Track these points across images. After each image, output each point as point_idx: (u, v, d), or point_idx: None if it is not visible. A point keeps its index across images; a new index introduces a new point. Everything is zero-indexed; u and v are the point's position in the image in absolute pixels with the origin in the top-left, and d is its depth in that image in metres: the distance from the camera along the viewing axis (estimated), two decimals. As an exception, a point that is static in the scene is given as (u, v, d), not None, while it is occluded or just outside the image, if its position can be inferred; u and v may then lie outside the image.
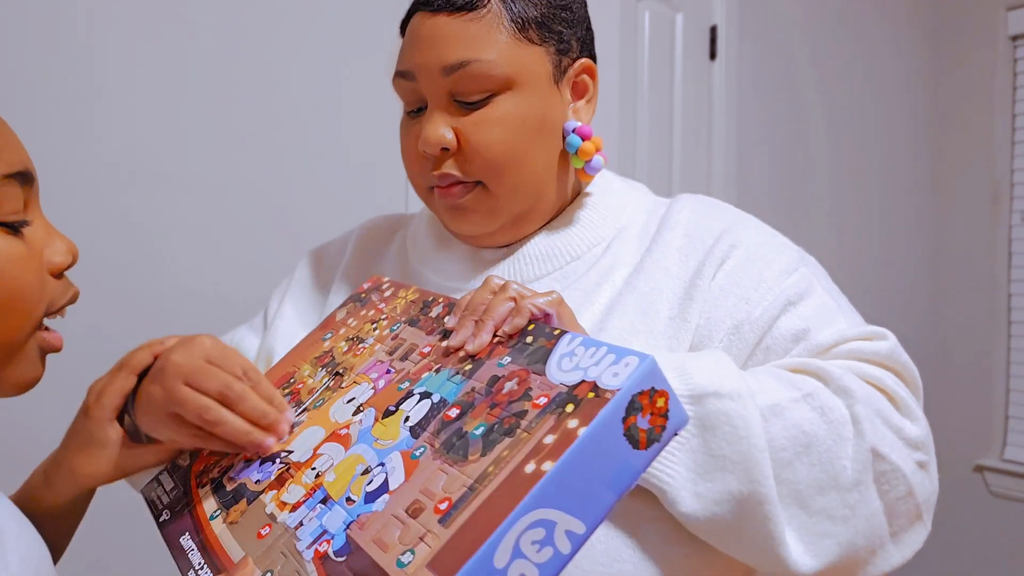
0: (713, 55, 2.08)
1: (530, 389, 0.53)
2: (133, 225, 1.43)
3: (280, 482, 0.62)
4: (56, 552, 0.73)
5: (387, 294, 0.79)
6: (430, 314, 0.71)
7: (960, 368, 2.76)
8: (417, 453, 0.54)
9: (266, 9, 1.55)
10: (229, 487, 0.65)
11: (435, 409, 0.58)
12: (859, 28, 2.52)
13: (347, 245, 0.97)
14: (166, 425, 0.68)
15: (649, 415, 0.48)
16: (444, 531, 0.45)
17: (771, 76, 2.26)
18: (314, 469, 0.61)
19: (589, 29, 0.83)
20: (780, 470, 0.66)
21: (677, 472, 0.65)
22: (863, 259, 2.55)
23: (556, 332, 0.57)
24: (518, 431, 0.49)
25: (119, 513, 1.04)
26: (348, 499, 0.55)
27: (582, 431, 0.45)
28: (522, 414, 0.51)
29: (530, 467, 0.45)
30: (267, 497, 0.61)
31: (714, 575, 0.71)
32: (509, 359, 0.57)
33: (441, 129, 0.76)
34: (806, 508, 0.66)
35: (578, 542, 0.45)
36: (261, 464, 0.65)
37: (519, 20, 0.75)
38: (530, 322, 0.60)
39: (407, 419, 0.59)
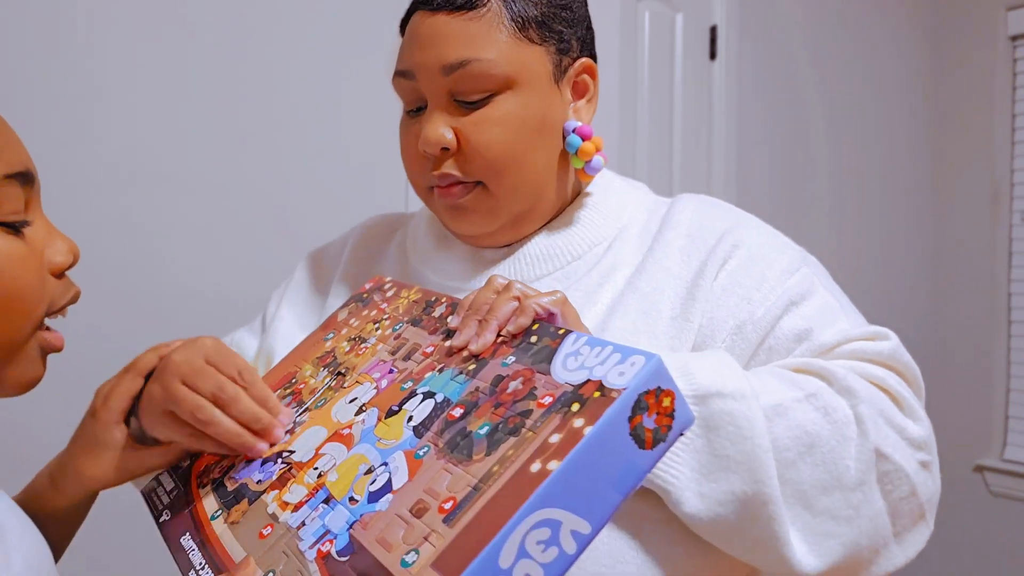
0: (713, 55, 2.08)
1: (535, 388, 0.52)
2: (133, 225, 1.43)
3: (282, 482, 0.61)
4: (57, 552, 0.73)
5: (389, 294, 0.79)
6: (433, 314, 0.70)
7: (960, 368, 2.76)
8: (421, 453, 0.54)
9: (266, 9, 1.55)
10: (230, 487, 0.65)
11: (439, 409, 0.57)
12: (859, 28, 2.52)
13: (346, 245, 0.97)
14: (163, 423, 0.68)
15: (655, 415, 0.48)
16: (449, 531, 0.45)
17: (771, 76, 2.26)
18: (316, 469, 0.60)
19: (589, 28, 0.83)
20: (784, 470, 0.65)
21: (681, 472, 0.65)
22: (863, 259, 2.55)
23: (561, 331, 0.57)
24: (523, 430, 0.49)
25: (119, 513, 1.04)
26: (351, 499, 0.54)
27: (588, 430, 0.45)
28: (527, 413, 0.50)
29: (536, 466, 0.45)
30: (269, 497, 0.61)
31: None
32: (513, 359, 0.57)
33: (441, 129, 0.75)
34: (810, 508, 0.66)
35: (583, 542, 0.45)
36: (263, 464, 0.65)
37: (519, 19, 0.75)
38: (534, 322, 0.60)
39: (410, 419, 0.58)
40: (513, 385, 0.54)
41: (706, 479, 0.65)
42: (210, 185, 1.50)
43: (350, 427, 0.63)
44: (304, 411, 0.69)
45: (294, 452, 0.64)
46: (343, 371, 0.72)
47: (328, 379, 0.72)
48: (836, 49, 2.45)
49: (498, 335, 0.61)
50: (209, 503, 0.65)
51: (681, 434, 0.50)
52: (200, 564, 0.59)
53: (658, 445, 0.48)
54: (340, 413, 0.65)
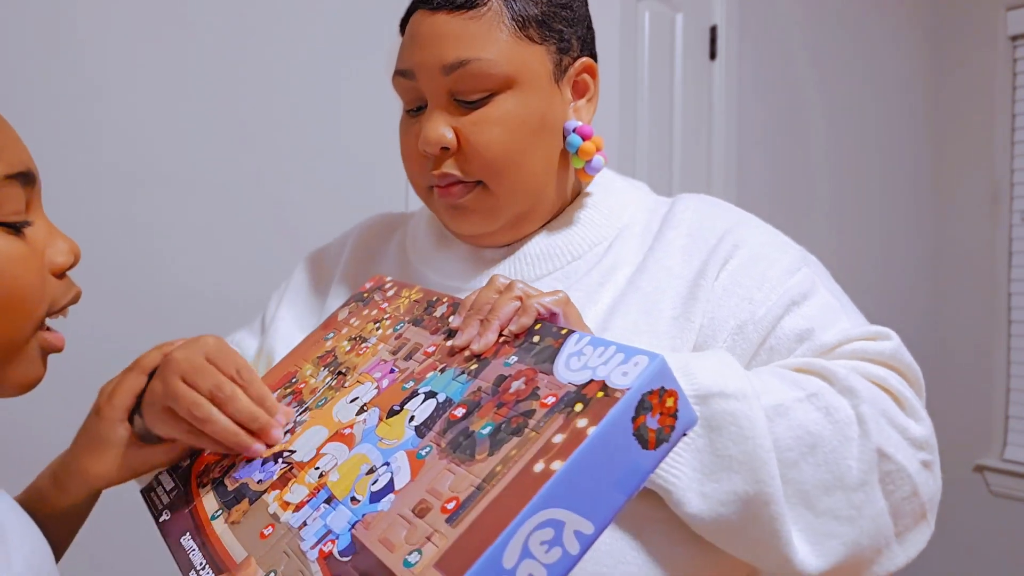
0: (713, 55, 2.08)
1: (538, 388, 0.52)
2: (134, 225, 1.43)
3: (283, 482, 0.61)
4: (58, 552, 0.73)
5: (390, 293, 0.79)
6: (434, 313, 0.70)
7: (960, 368, 2.76)
8: (423, 453, 0.54)
9: (266, 9, 1.55)
10: (231, 487, 0.65)
11: (440, 408, 0.57)
12: (859, 28, 2.52)
13: (345, 245, 0.97)
14: (163, 420, 0.68)
15: (659, 415, 0.48)
16: (452, 531, 0.45)
17: (771, 76, 2.26)
18: (317, 469, 0.60)
19: (590, 28, 0.83)
20: (786, 470, 0.65)
21: (683, 472, 0.65)
22: (863, 259, 2.55)
23: (563, 331, 0.56)
24: (526, 430, 0.49)
25: (119, 513, 1.03)
26: (353, 499, 0.54)
27: (592, 430, 0.45)
28: (530, 413, 0.50)
29: (539, 466, 0.45)
30: (270, 497, 0.61)
31: (718, 576, 0.71)
32: (516, 358, 0.57)
33: (441, 128, 0.75)
34: (812, 508, 0.66)
35: (586, 543, 0.45)
36: (263, 464, 0.65)
37: (519, 18, 0.75)
38: (536, 321, 0.60)
39: (412, 419, 0.58)
40: (516, 385, 0.54)
41: (708, 479, 0.64)
42: (210, 185, 1.50)
43: (351, 427, 0.62)
44: (304, 410, 0.69)
45: (295, 452, 0.64)
46: (344, 371, 0.71)
47: (329, 379, 0.72)
48: (836, 49, 2.45)
49: (500, 335, 0.61)
50: (209, 503, 0.65)
51: (684, 434, 0.50)
52: (201, 564, 0.59)
53: (661, 445, 0.48)
54: (341, 413, 0.65)
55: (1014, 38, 2.65)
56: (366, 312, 0.79)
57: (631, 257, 0.81)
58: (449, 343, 0.64)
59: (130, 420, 0.72)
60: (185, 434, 0.68)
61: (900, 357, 0.74)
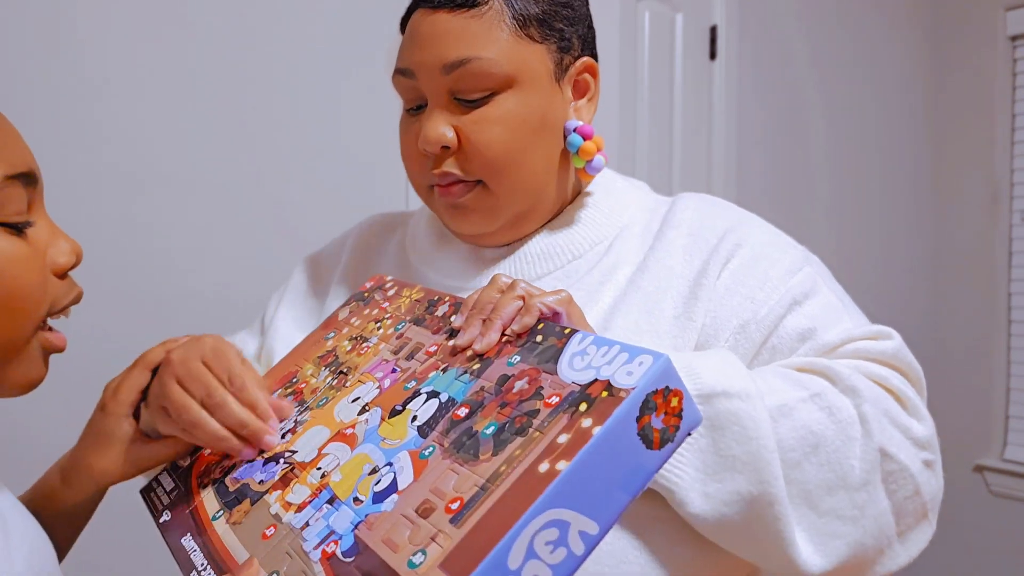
0: (713, 55, 2.08)
1: (541, 388, 0.52)
2: (134, 225, 1.43)
3: (284, 482, 0.61)
4: (62, 551, 0.74)
5: (391, 293, 0.79)
6: (435, 313, 0.70)
7: (960, 368, 2.76)
8: (426, 453, 0.54)
9: (266, 9, 1.55)
10: (232, 487, 0.65)
11: (443, 408, 0.57)
12: (859, 28, 2.52)
13: (344, 246, 0.97)
14: (161, 417, 0.69)
15: (663, 415, 0.47)
16: (456, 531, 0.45)
17: (771, 76, 2.26)
18: (319, 469, 0.60)
19: (590, 27, 0.83)
20: (789, 470, 0.65)
21: (686, 472, 0.65)
22: (863, 259, 2.55)
23: (566, 331, 0.56)
24: (530, 430, 0.49)
25: (120, 513, 1.03)
26: (355, 499, 0.54)
27: (597, 430, 0.45)
28: (534, 413, 0.50)
29: (544, 466, 0.45)
30: (271, 497, 0.60)
31: (720, 576, 0.71)
32: (519, 358, 0.57)
33: (441, 127, 0.75)
34: (815, 508, 0.66)
35: (591, 543, 0.44)
36: (264, 464, 0.65)
37: (520, 17, 0.75)
38: (539, 321, 0.59)
39: (414, 418, 0.58)
40: (519, 385, 0.54)
41: (711, 479, 0.64)
42: (210, 185, 1.50)
43: (353, 427, 0.62)
44: (305, 410, 0.69)
45: (296, 452, 0.64)
46: (345, 370, 0.71)
47: (330, 378, 0.71)
48: (836, 49, 2.45)
49: (503, 334, 0.60)
50: (210, 503, 0.65)
51: (689, 434, 0.50)
52: (202, 565, 0.59)
53: (666, 445, 0.48)
54: (343, 413, 0.65)
55: (1014, 38, 2.65)
56: (367, 312, 0.79)
57: (632, 256, 0.80)
58: (451, 343, 0.63)
59: (135, 416, 0.73)
60: (181, 432, 0.68)
61: (902, 356, 0.74)
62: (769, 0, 2.23)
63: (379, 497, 0.53)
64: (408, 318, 0.72)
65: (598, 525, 0.44)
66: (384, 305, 0.77)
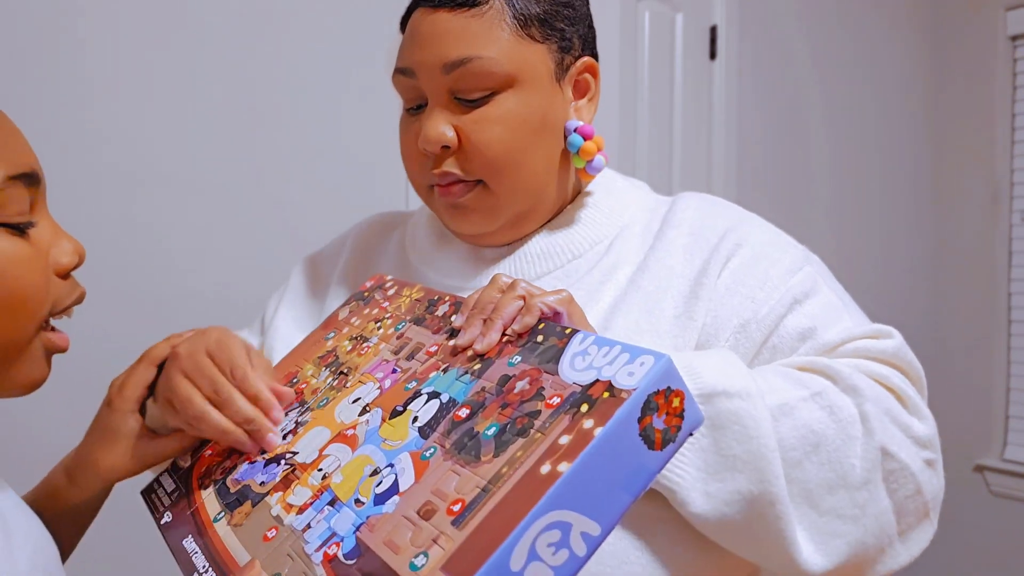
0: (713, 55, 2.08)
1: (542, 389, 0.52)
2: (134, 225, 1.43)
3: (286, 484, 0.61)
4: (67, 550, 0.74)
5: (391, 292, 0.78)
6: (436, 313, 0.70)
7: (960, 368, 2.76)
8: (427, 454, 0.53)
9: (266, 9, 1.55)
10: (233, 489, 0.65)
11: (444, 409, 0.57)
12: (859, 28, 2.52)
13: (344, 246, 0.97)
14: (168, 410, 0.70)
15: (665, 415, 0.47)
16: (458, 533, 0.45)
17: (771, 76, 2.26)
18: (320, 470, 0.60)
19: (591, 27, 0.83)
20: (790, 470, 0.65)
21: (687, 472, 0.65)
22: (863, 258, 2.55)
23: (567, 331, 0.56)
24: (531, 431, 0.49)
25: (121, 514, 1.03)
26: (357, 501, 0.54)
27: (598, 431, 0.45)
28: (535, 414, 0.50)
29: (545, 468, 0.44)
30: (272, 499, 0.60)
31: (721, 576, 0.71)
32: (519, 358, 0.57)
33: (441, 127, 0.75)
34: (816, 507, 0.66)
35: (593, 544, 0.44)
36: (265, 466, 0.65)
37: (521, 17, 0.75)
38: (540, 321, 0.59)
39: (415, 419, 0.58)
40: (520, 385, 0.54)
41: (712, 479, 0.64)
42: (210, 185, 1.50)
43: (354, 428, 0.62)
44: (306, 411, 0.68)
45: (297, 453, 0.64)
46: (345, 371, 0.71)
47: (330, 379, 0.71)
48: (836, 49, 2.45)
49: (503, 334, 0.60)
50: (211, 505, 0.65)
51: (690, 434, 0.49)
52: (203, 567, 0.59)
53: (668, 446, 0.48)
54: (343, 413, 0.65)
55: (1014, 38, 2.65)
56: (367, 311, 0.78)
57: (632, 256, 0.80)
58: (452, 343, 0.63)
59: (141, 412, 0.73)
60: (186, 425, 0.69)
61: (902, 355, 0.74)
62: (769, 0, 2.23)
63: (380, 499, 0.52)
64: (408, 318, 0.72)
65: (600, 526, 0.44)
66: (384, 305, 0.77)
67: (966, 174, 2.77)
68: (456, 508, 0.47)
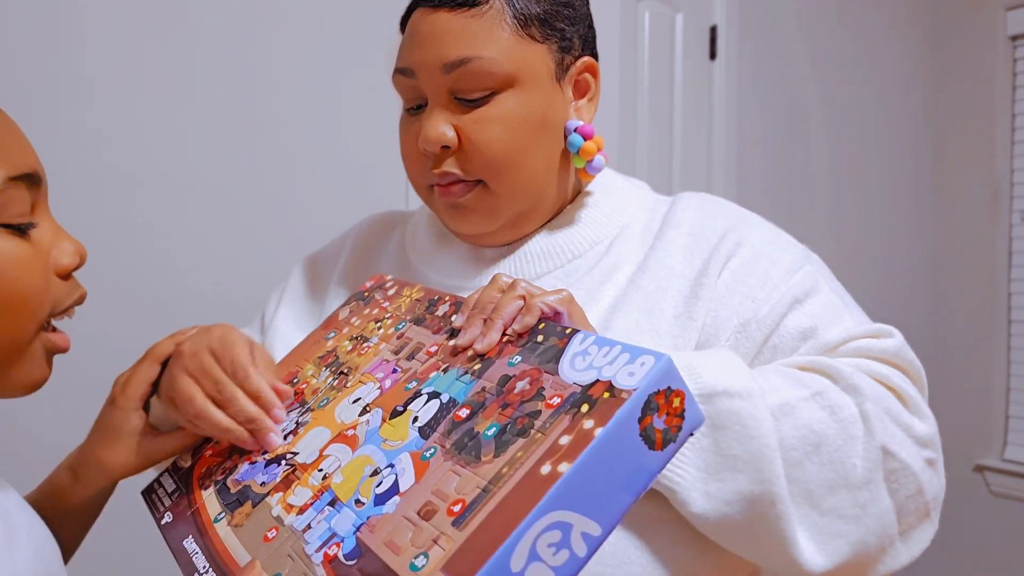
0: (713, 55, 2.08)
1: (543, 389, 0.52)
2: (134, 225, 1.43)
3: (286, 484, 0.61)
4: (67, 552, 0.74)
5: (391, 292, 0.78)
6: (436, 312, 0.70)
7: (960, 368, 2.76)
8: (427, 454, 0.53)
9: (266, 9, 1.54)
10: (233, 489, 0.65)
11: (444, 409, 0.57)
12: (859, 28, 2.52)
13: (344, 246, 0.97)
14: (170, 408, 0.70)
15: (665, 415, 0.47)
16: (459, 533, 0.45)
17: (771, 76, 2.26)
18: (321, 471, 0.60)
19: (591, 27, 0.83)
20: (791, 470, 0.65)
21: (687, 472, 0.64)
22: (863, 258, 2.55)
23: (568, 331, 0.56)
24: (532, 431, 0.48)
25: (122, 514, 1.03)
26: (357, 501, 0.54)
27: (599, 432, 0.45)
28: (535, 414, 0.50)
29: (546, 468, 0.44)
30: (273, 499, 0.60)
31: (721, 576, 0.71)
32: (520, 358, 0.57)
33: (441, 127, 0.75)
34: (817, 507, 0.66)
35: (594, 544, 0.44)
36: (266, 466, 0.65)
37: (521, 17, 0.75)
38: (540, 321, 0.59)
39: (416, 419, 0.58)
40: (520, 385, 0.54)
41: (713, 478, 0.64)
42: (210, 185, 1.50)
43: (354, 428, 0.62)
44: (307, 411, 0.68)
45: (298, 454, 0.63)
46: (345, 371, 0.71)
47: (330, 379, 0.71)
48: (836, 49, 2.45)
49: (504, 334, 0.60)
50: (212, 505, 0.65)
51: (691, 434, 0.49)
52: (204, 568, 0.59)
53: (668, 446, 0.48)
54: (344, 414, 0.65)
55: (1014, 38, 2.65)
56: (367, 311, 0.78)
57: (632, 256, 0.80)
58: (452, 342, 0.63)
59: (145, 409, 0.73)
60: (188, 423, 0.69)
61: (903, 355, 0.74)
62: (769, 0, 2.23)
63: (381, 499, 0.52)
64: (408, 318, 0.72)
65: (600, 527, 0.44)
66: (384, 305, 0.77)
67: (966, 174, 2.77)
68: (456, 508, 0.47)
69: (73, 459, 0.74)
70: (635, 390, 0.46)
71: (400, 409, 0.60)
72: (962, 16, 2.74)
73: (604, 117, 1.77)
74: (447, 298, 0.71)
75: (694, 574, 0.69)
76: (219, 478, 0.67)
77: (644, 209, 0.85)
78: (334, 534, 0.52)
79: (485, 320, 0.61)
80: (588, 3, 0.83)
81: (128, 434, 0.72)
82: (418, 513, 0.49)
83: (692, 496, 0.64)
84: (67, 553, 0.73)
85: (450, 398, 0.58)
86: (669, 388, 0.48)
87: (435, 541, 0.45)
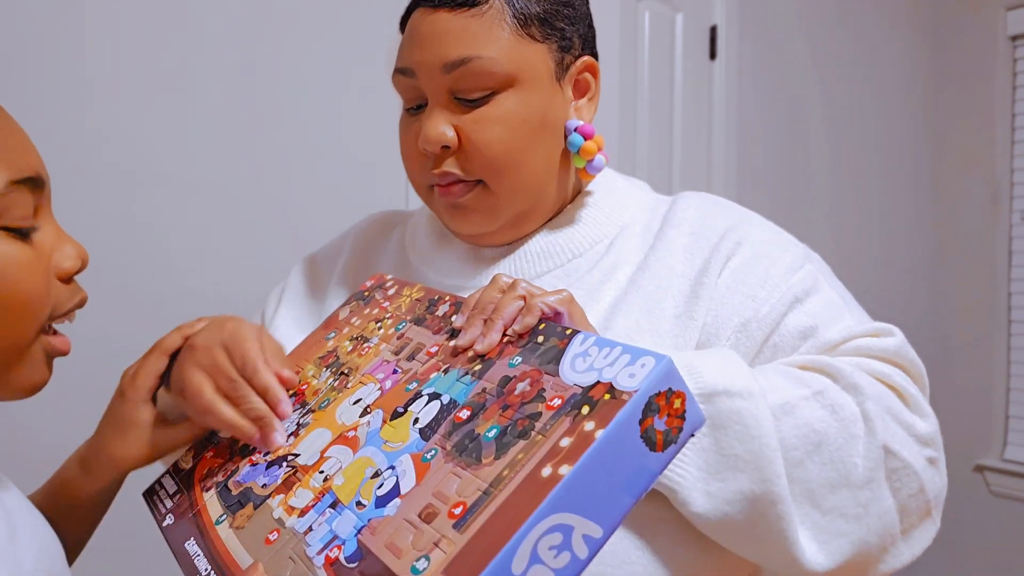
0: (713, 55, 2.07)
1: (543, 390, 0.52)
2: (134, 225, 1.43)
3: (287, 486, 0.61)
4: (73, 552, 0.74)
5: (391, 292, 0.78)
6: (436, 313, 0.70)
7: (960, 367, 2.76)
8: (428, 456, 0.53)
9: (266, 9, 1.54)
10: (235, 491, 0.65)
11: (445, 411, 0.57)
12: (859, 28, 2.52)
13: (344, 245, 0.97)
14: (179, 400, 0.70)
15: (666, 416, 0.47)
16: (460, 536, 0.44)
17: (771, 76, 2.26)
18: (322, 472, 0.59)
19: (591, 26, 0.83)
20: (792, 469, 0.65)
21: (688, 472, 0.64)
22: (863, 258, 2.55)
23: (568, 332, 0.56)
24: (532, 433, 0.48)
25: (123, 515, 1.03)
26: (358, 503, 0.54)
27: (599, 434, 0.44)
28: (536, 416, 0.50)
29: (547, 471, 0.44)
30: (274, 501, 0.60)
31: (722, 576, 0.71)
32: (520, 359, 0.56)
33: (441, 127, 0.75)
34: (818, 507, 0.66)
35: (595, 546, 0.44)
36: (267, 468, 0.64)
37: (521, 16, 0.75)
38: (540, 321, 0.59)
39: (416, 421, 0.58)
40: (521, 386, 0.53)
41: (713, 478, 0.64)
42: (210, 185, 1.50)
43: (355, 429, 0.62)
44: (307, 412, 0.68)
45: (299, 455, 0.63)
46: (346, 371, 0.71)
47: (331, 379, 0.71)
48: (836, 49, 2.45)
49: (504, 335, 0.60)
50: (213, 507, 0.65)
51: (692, 435, 0.49)
52: (206, 570, 0.58)
53: (669, 447, 0.47)
54: (344, 415, 0.65)
55: (1014, 38, 2.65)
56: (367, 311, 0.78)
57: (632, 256, 0.80)
58: (452, 343, 0.63)
59: (153, 400, 0.73)
60: (195, 416, 0.69)
61: (904, 353, 0.74)
62: (769, 0, 2.23)
63: (382, 501, 0.52)
64: (409, 318, 0.72)
65: (602, 528, 0.44)
66: (384, 305, 0.77)
67: (966, 174, 2.77)
68: (457, 511, 0.46)
69: (83, 452, 0.75)
70: (636, 391, 0.46)
71: (401, 410, 0.60)
72: (962, 16, 2.73)
73: (604, 117, 1.77)
74: (447, 298, 0.71)
75: (695, 574, 0.69)
76: (220, 480, 0.67)
77: (644, 209, 0.85)
78: (335, 536, 0.52)
79: (485, 320, 0.61)
80: (588, 2, 0.83)
81: (138, 426, 0.72)
82: (419, 515, 0.48)
83: (693, 496, 0.64)
84: (72, 553, 0.73)
85: (451, 399, 0.57)
86: (670, 389, 0.47)
87: (436, 544, 0.45)
